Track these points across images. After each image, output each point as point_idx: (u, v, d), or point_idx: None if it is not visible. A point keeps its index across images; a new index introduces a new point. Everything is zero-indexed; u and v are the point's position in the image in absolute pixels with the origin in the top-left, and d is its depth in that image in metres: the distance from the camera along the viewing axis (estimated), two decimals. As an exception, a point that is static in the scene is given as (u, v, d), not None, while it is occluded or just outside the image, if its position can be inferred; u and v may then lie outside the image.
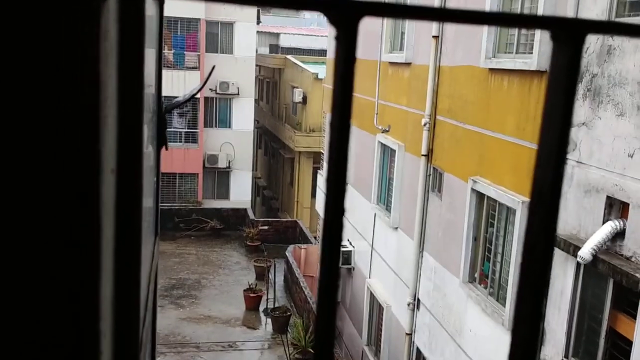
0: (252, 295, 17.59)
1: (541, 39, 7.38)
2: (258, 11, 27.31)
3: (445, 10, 0.44)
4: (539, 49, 7.40)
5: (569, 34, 0.44)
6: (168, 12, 24.59)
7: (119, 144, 0.71)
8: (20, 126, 0.50)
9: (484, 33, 8.67)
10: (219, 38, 26.37)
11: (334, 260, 0.44)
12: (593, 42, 6.55)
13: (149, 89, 1.42)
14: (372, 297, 13.25)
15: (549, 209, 0.47)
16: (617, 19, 6.32)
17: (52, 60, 0.49)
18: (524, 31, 8.11)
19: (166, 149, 1.82)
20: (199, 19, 25.52)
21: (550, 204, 0.47)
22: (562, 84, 0.44)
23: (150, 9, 1.36)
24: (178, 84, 24.83)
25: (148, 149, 1.41)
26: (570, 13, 6.86)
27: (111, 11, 0.60)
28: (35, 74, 0.49)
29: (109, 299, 0.69)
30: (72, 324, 0.56)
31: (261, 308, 17.62)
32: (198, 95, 25.25)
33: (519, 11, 8.16)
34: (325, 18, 0.39)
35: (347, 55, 0.39)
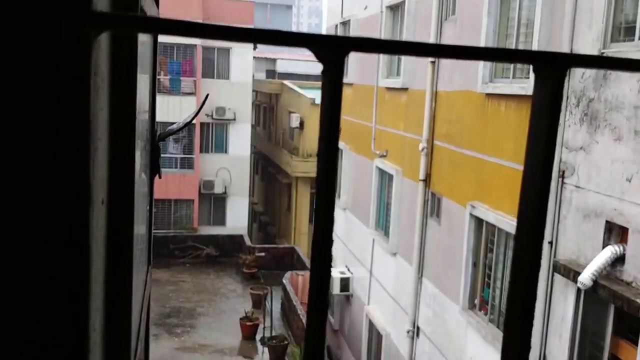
0: (248, 323, 17.37)
1: (537, 64, 7.41)
2: (254, 38, 27.51)
3: (429, 45, 0.45)
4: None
5: (550, 68, 0.45)
6: (164, 38, 24.82)
7: (110, 175, 0.70)
8: (10, 158, 0.51)
9: (480, 58, 8.71)
10: (215, 63, 26.54)
11: (323, 290, 0.44)
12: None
13: (143, 116, 1.39)
14: (371, 324, 13.09)
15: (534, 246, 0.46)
16: (612, 44, 6.35)
17: (43, 93, 0.50)
18: (519, 56, 8.15)
19: (159, 177, 1.78)
20: (195, 45, 25.72)
21: (534, 244, 0.47)
22: (545, 116, 0.46)
23: (144, 36, 1.33)
24: (174, 109, 24.89)
25: (141, 177, 1.37)
26: (565, 38, 6.90)
27: (103, 47, 0.61)
28: (26, 106, 0.50)
29: (99, 329, 0.68)
30: (62, 358, 0.56)
31: (258, 337, 17.39)
32: (194, 121, 25.30)
33: (514, 36, 8.21)
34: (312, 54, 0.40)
35: (333, 89, 0.40)
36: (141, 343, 1.48)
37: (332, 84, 0.40)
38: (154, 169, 1.71)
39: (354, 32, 14.66)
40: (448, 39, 10.00)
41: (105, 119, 0.65)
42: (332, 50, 0.39)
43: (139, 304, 1.31)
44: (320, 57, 0.40)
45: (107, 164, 0.69)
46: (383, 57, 12.68)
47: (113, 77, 0.70)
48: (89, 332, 0.58)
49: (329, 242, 0.43)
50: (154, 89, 1.80)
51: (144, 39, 1.30)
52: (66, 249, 0.53)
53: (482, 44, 8.69)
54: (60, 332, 0.55)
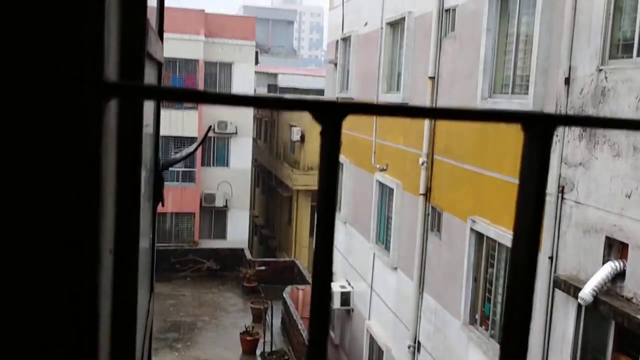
0: (248, 338, 17.30)
1: (536, 80, 7.46)
2: (256, 52, 27.70)
3: (424, 109, 0.49)
4: (535, 90, 7.47)
5: (538, 127, 0.47)
6: (167, 53, 24.96)
7: (116, 226, 0.73)
8: (26, 210, 0.54)
9: (480, 73, 8.77)
10: (217, 78, 26.67)
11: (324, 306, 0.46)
12: (587, 83, 6.61)
13: (147, 146, 1.42)
14: (372, 339, 13.04)
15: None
16: (611, 61, 6.40)
17: (55, 158, 0.53)
18: (519, 72, 8.21)
19: (162, 205, 1.80)
20: (198, 60, 25.85)
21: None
22: (534, 173, 0.47)
23: (149, 73, 1.37)
24: (176, 123, 24.98)
25: (144, 208, 1.40)
26: (564, 55, 6.95)
27: (112, 109, 0.66)
28: (41, 167, 0.54)
29: None
30: None
31: (258, 352, 17.30)
32: (195, 135, 25.37)
33: (513, 53, 8.27)
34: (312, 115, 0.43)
35: (331, 149, 0.43)
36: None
37: (330, 144, 0.43)
38: (157, 197, 1.73)
39: (354, 47, 14.76)
40: (447, 56, 10.06)
41: (112, 171, 0.69)
42: (331, 114, 0.42)
43: (141, 333, 1.32)
44: (318, 120, 0.42)
45: (114, 214, 0.72)
46: (383, 72, 12.75)
47: (120, 131, 0.74)
48: None
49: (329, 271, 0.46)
50: (158, 115, 1.82)
51: (148, 75, 1.34)
52: (74, 304, 0.55)
53: (481, 60, 8.74)
54: None
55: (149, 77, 1.37)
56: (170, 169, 26.12)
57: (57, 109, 0.52)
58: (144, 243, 1.42)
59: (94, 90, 0.53)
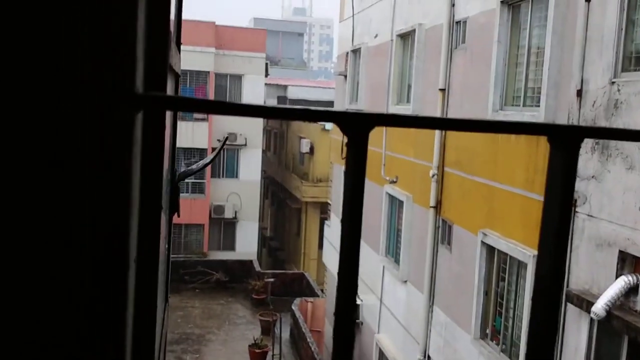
0: (257, 350, 17.22)
1: (547, 92, 7.42)
2: (266, 64, 27.84)
3: (446, 120, 0.49)
4: (546, 102, 7.43)
5: (565, 139, 0.47)
6: (178, 65, 25.17)
7: (140, 234, 0.75)
8: (59, 223, 0.55)
9: (491, 86, 8.75)
10: (227, 90, 26.81)
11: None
12: (600, 96, 6.57)
13: (164, 159, 1.43)
14: (381, 353, 12.94)
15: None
16: (623, 73, 6.36)
17: (87, 170, 0.55)
18: (530, 84, 8.18)
19: (178, 216, 1.79)
20: (208, 72, 26.01)
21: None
22: (559, 184, 0.47)
23: (169, 84, 1.37)
24: (186, 135, 25.08)
25: (163, 218, 1.39)
26: (576, 67, 6.92)
27: (139, 120, 0.67)
28: (75, 177, 0.55)
29: None
30: None
31: (267, 363, 17.22)
32: (206, 146, 25.47)
33: (525, 65, 8.24)
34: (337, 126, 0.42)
35: (357, 160, 0.43)
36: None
37: (357, 154, 0.43)
38: (173, 207, 1.73)
39: (364, 59, 14.79)
40: (458, 68, 10.05)
41: (137, 182, 0.70)
42: (357, 125, 0.42)
43: (157, 343, 1.33)
44: (345, 131, 0.42)
45: (137, 224, 0.73)
46: (393, 84, 12.76)
47: (144, 142, 0.74)
48: None
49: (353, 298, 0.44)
50: (175, 126, 1.82)
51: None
52: (105, 312, 0.56)
53: (492, 72, 8.72)
54: None
55: (169, 88, 1.37)
56: (180, 180, 26.21)
57: (91, 120, 0.53)
58: (161, 254, 1.42)
59: (126, 102, 0.54)
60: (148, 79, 0.77)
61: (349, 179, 0.42)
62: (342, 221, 0.43)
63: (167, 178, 1.58)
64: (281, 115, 0.43)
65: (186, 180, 26.31)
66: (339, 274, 0.43)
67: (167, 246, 1.77)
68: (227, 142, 26.43)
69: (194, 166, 2.60)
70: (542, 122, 7.43)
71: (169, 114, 1.47)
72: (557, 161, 0.48)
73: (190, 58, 25.32)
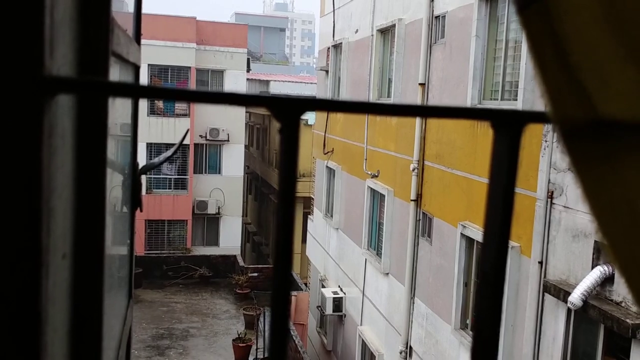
0: (241, 345, 17.24)
1: (525, 86, 7.53)
2: (248, 59, 27.73)
3: (382, 106, 0.46)
4: (524, 95, 7.54)
5: (508, 125, 0.46)
6: (158, 60, 25.00)
7: (76, 228, 0.72)
8: None
9: (470, 80, 8.83)
10: (209, 85, 26.67)
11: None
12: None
13: (123, 150, 1.42)
14: (364, 344, 13.04)
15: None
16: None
17: None
18: (508, 78, 8.28)
19: (140, 210, 1.81)
20: (190, 67, 25.86)
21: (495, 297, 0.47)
22: (503, 171, 0.47)
23: (123, 74, 1.37)
24: (168, 130, 24.95)
25: (121, 212, 1.40)
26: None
27: (61, 105, 0.61)
28: None
29: None
30: None
31: (251, 358, 17.25)
32: (188, 142, 25.36)
33: (503, 59, 8.34)
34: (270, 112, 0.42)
35: (290, 146, 0.42)
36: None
37: (289, 140, 0.43)
38: (135, 202, 1.74)
39: (345, 54, 14.82)
40: (437, 62, 10.13)
41: (67, 173, 0.66)
42: (288, 110, 0.42)
43: (116, 341, 1.29)
44: (277, 117, 0.42)
45: (70, 218, 0.69)
46: (373, 79, 12.81)
47: (79, 130, 0.70)
48: None
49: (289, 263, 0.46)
50: (136, 116, 1.84)
51: (126, 77, 1.34)
52: (18, 312, 0.52)
53: (470, 66, 8.81)
54: None
55: (124, 79, 1.37)
56: (163, 176, 26.06)
57: None
58: (120, 249, 1.41)
59: (32, 86, 0.49)
60: (84, 66, 0.74)
61: (283, 164, 0.42)
62: (277, 204, 0.44)
63: (128, 172, 1.60)
64: (211, 100, 0.42)
65: (169, 176, 26.17)
66: (274, 257, 0.46)
67: (129, 242, 1.77)
68: (210, 138, 26.33)
69: (155, 160, 2.61)
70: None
71: (125, 104, 1.47)
72: (501, 147, 0.46)
73: (172, 53, 25.15)
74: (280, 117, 0.42)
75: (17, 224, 0.51)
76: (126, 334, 1.60)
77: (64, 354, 0.69)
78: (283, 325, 0.44)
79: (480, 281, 0.50)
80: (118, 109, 1.22)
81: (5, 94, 0.48)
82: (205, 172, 26.95)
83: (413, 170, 10.59)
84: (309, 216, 19.27)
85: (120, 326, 1.43)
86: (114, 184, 1.18)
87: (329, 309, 14.44)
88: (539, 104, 7.36)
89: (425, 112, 0.51)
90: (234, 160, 27.18)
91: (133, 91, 0.45)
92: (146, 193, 24.65)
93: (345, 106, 0.46)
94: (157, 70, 25.55)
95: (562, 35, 0.35)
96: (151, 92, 0.44)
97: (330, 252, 15.82)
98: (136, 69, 1.75)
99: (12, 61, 0.49)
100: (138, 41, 1.91)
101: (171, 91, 0.43)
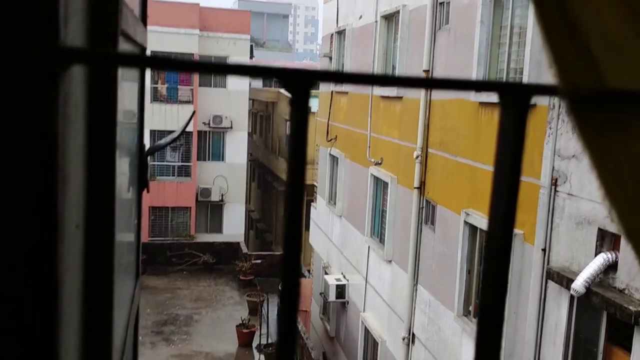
0: (245, 330, 17.35)
1: (529, 72, 7.48)
2: (251, 46, 27.63)
3: (388, 77, 0.48)
4: (528, 81, 7.48)
5: (514, 98, 0.46)
6: (162, 47, 24.94)
7: (88, 200, 0.72)
8: None
9: (474, 66, 8.78)
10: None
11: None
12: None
13: (130, 131, 1.42)
14: (367, 331, 13.09)
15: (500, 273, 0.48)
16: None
17: (9, 129, 0.50)
18: (512, 64, 8.23)
19: (147, 191, 1.81)
20: (193, 54, 25.78)
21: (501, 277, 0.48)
22: (510, 144, 0.46)
23: (131, 46, 1.37)
24: (171, 117, 24.94)
25: (128, 192, 1.40)
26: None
27: (75, 76, 0.62)
28: None
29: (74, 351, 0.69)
30: None
31: (254, 344, 17.37)
32: (191, 130, 25.35)
33: (507, 45, 8.28)
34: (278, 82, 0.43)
35: (300, 117, 0.43)
36: (128, 357, 1.48)
37: (300, 110, 0.43)
38: (142, 183, 1.74)
39: (349, 41, 14.75)
40: (442, 48, 10.07)
41: (79, 143, 0.66)
42: (298, 82, 0.42)
43: (124, 319, 1.31)
44: (287, 88, 0.43)
45: (83, 189, 0.70)
46: (377, 66, 12.75)
47: (90, 102, 0.72)
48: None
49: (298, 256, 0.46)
50: (143, 100, 1.83)
51: (130, 48, 1.34)
52: (33, 273, 0.52)
53: (475, 52, 8.76)
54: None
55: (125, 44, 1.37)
56: (166, 163, 26.10)
57: (4, 73, 0.49)
58: (127, 227, 1.42)
59: (47, 56, 0.50)
60: (94, 40, 0.75)
61: (293, 135, 0.42)
62: (287, 180, 0.45)
63: (135, 152, 1.60)
64: (218, 71, 0.43)
65: (172, 164, 26.20)
66: (284, 236, 0.45)
67: (136, 221, 1.78)
68: (213, 125, 26.31)
69: (161, 141, 2.62)
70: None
71: (132, 87, 1.47)
72: (508, 120, 0.47)
73: (174, 40, 25.06)
74: (291, 88, 0.43)
75: (35, 188, 0.52)
76: (134, 311, 1.62)
77: (75, 318, 0.70)
78: (291, 318, 0.44)
79: (486, 258, 0.49)
80: (125, 92, 1.22)
81: (23, 63, 0.49)
82: (209, 160, 26.96)
83: (416, 157, 10.57)
84: (312, 204, 19.29)
85: (128, 303, 1.44)
86: (122, 164, 1.18)
87: (332, 296, 14.50)
88: (544, 91, 7.31)
89: (433, 84, 0.51)
90: (237, 148, 27.18)
91: (145, 62, 0.46)
92: (150, 180, 24.70)
93: (354, 78, 0.46)
94: (160, 57, 25.47)
95: (571, 5, 0.35)
96: (162, 64, 0.45)
97: (333, 239, 15.85)
98: (142, 50, 1.74)
99: (30, 31, 0.50)
100: (144, 23, 1.90)
101: (182, 63, 0.44)
